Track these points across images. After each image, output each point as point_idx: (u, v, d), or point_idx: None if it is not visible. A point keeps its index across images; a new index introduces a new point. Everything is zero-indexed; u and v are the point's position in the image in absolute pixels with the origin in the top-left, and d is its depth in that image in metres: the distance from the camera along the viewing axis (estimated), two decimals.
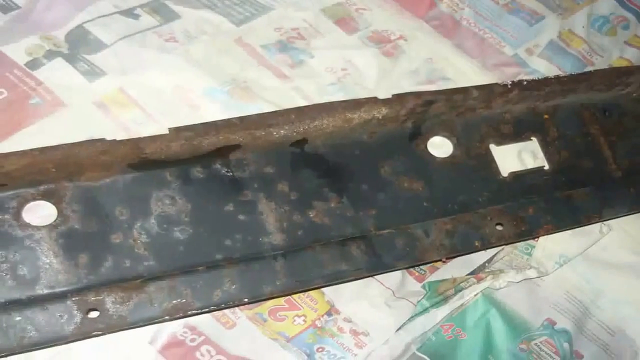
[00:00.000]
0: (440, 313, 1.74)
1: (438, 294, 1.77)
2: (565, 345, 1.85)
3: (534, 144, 1.96)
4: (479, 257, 1.90)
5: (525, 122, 1.96)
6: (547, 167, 1.94)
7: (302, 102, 1.93)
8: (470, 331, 1.78)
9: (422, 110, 1.80)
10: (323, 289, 1.71)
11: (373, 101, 1.74)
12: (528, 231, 1.84)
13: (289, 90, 2.00)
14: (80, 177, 1.51)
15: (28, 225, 1.45)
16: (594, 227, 1.98)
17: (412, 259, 1.70)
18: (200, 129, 1.58)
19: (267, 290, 1.55)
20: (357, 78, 2.09)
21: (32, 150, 1.43)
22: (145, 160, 1.55)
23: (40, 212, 1.48)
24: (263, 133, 1.65)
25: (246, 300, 1.54)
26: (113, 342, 1.50)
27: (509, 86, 1.87)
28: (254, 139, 1.64)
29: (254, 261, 1.56)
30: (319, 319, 1.68)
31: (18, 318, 1.37)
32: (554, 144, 1.97)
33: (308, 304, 1.69)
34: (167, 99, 1.86)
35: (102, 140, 1.49)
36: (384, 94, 1.76)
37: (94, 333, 1.41)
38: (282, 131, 1.67)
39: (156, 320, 1.47)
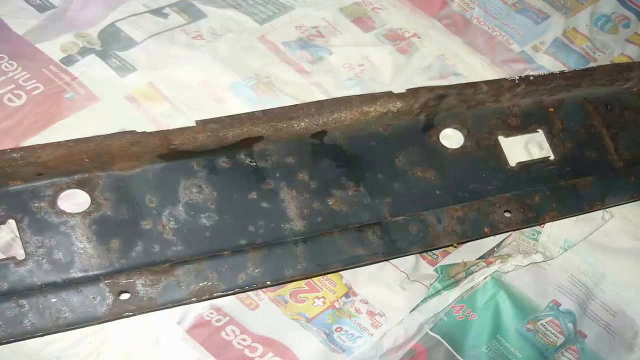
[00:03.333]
0: (452, 295, 1.72)
1: (450, 277, 1.75)
2: (570, 325, 1.84)
3: (540, 135, 1.93)
4: (488, 242, 1.88)
5: (532, 115, 1.93)
6: (552, 157, 1.91)
7: (322, 96, 1.91)
8: (480, 312, 1.77)
9: (435, 104, 1.78)
10: (341, 273, 1.69)
11: (388, 95, 1.72)
12: (534, 218, 1.81)
13: (309, 85, 1.98)
14: (112, 167, 1.49)
15: (63, 212, 1.44)
16: (597, 214, 1.96)
17: (425, 244, 1.68)
18: (225, 122, 1.56)
19: (289, 273, 1.54)
20: (374, 73, 2.07)
21: (67, 141, 1.41)
22: (173, 151, 1.53)
23: (74, 200, 1.47)
24: (285, 125, 1.63)
25: (269, 283, 1.52)
26: (143, 322, 1.50)
27: (517, 81, 1.85)
28: (276, 131, 1.62)
29: (276, 246, 1.55)
30: (338, 300, 1.66)
31: (54, 300, 1.36)
32: (559, 135, 1.94)
33: (327, 286, 1.67)
34: (194, 93, 1.85)
35: (132, 132, 1.47)
36: (398, 88, 1.74)
37: (125, 314, 1.40)
38: (302, 123, 1.65)
39: (184, 302, 1.46)
